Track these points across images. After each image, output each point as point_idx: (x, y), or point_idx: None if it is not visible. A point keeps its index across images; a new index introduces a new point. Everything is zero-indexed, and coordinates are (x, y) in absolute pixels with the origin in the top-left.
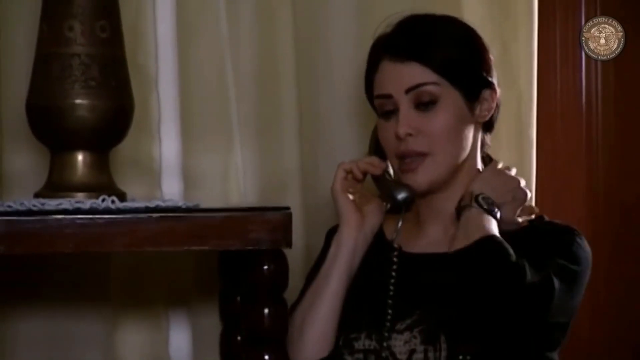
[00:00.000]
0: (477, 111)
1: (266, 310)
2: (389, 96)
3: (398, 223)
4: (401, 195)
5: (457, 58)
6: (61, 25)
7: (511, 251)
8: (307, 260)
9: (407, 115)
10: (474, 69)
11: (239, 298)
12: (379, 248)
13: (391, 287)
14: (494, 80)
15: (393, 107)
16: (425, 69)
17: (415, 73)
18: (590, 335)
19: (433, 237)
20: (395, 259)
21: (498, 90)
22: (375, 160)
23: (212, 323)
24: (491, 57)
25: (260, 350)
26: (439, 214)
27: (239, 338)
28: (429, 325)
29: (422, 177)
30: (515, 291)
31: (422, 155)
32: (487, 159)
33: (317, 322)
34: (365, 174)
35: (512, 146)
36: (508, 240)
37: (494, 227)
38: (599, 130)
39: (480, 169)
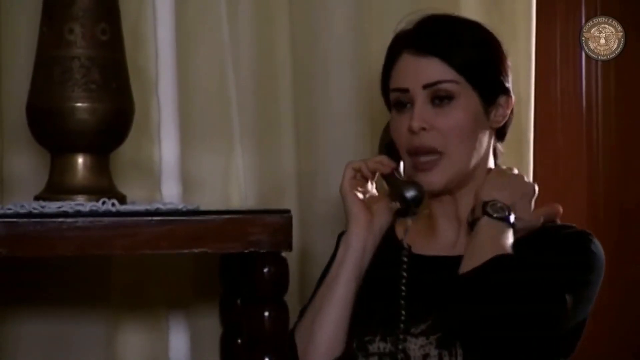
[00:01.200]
0: (492, 116)
1: (266, 313)
2: (405, 90)
3: (408, 222)
4: (410, 194)
5: (478, 59)
6: (62, 28)
7: (523, 269)
8: (303, 263)
9: (422, 110)
10: (493, 72)
11: (239, 301)
12: (389, 248)
13: (403, 288)
14: (510, 88)
15: (408, 100)
16: (445, 66)
17: (434, 69)
18: (591, 337)
19: (445, 239)
20: (405, 259)
21: (513, 97)
22: (384, 159)
23: (211, 326)
24: (509, 64)
25: (260, 353)
26: (451, 216)
27: (239, 341)
28: (444, 331)
29: (436, 177)
30: (526, 310)
31: (435, 152)
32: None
33: (328, 325)
34: (374, 172)
35: (511, 149)
36: (521, 245)
37: (505, 240)
38: (599, 130)
39: None
